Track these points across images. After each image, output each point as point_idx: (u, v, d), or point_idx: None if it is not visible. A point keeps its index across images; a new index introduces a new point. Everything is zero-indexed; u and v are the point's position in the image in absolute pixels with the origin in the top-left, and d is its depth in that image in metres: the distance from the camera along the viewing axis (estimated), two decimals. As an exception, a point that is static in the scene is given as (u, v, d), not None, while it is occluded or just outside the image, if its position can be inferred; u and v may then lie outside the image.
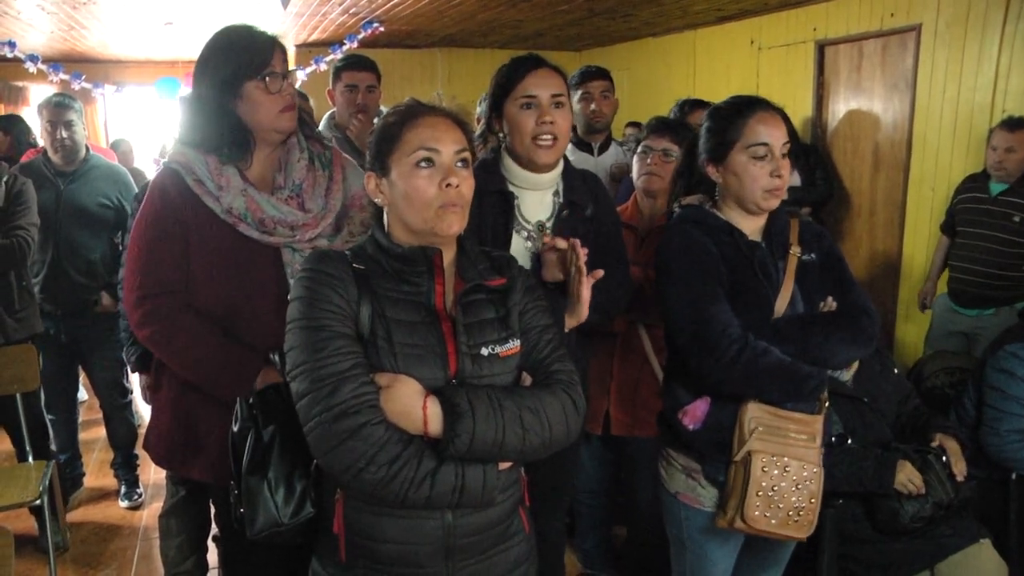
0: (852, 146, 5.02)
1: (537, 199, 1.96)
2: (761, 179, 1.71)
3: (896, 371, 2.51)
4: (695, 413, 1.77)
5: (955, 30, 4.17)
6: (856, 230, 5.04)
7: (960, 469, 2.21)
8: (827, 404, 1.78)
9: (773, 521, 1.70)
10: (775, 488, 1.68)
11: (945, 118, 4.29)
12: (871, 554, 2.23)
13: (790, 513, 1.71)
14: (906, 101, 4.52)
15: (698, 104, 3.11)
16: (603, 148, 3.35)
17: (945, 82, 4.26)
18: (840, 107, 5.08)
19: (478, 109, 2.91)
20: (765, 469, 1.68)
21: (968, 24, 4.10)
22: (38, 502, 2.75)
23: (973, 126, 4.13)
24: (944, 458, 2.21)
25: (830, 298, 1.78)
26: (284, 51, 1.76)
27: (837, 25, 4.96)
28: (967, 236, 3.66)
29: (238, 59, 1.69)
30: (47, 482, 2.83)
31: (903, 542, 2.20)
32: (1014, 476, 2.44)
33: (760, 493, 1.68)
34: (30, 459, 3.00)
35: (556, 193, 1.99)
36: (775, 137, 1.71)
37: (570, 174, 2.02)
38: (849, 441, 2.20)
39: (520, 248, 1.92)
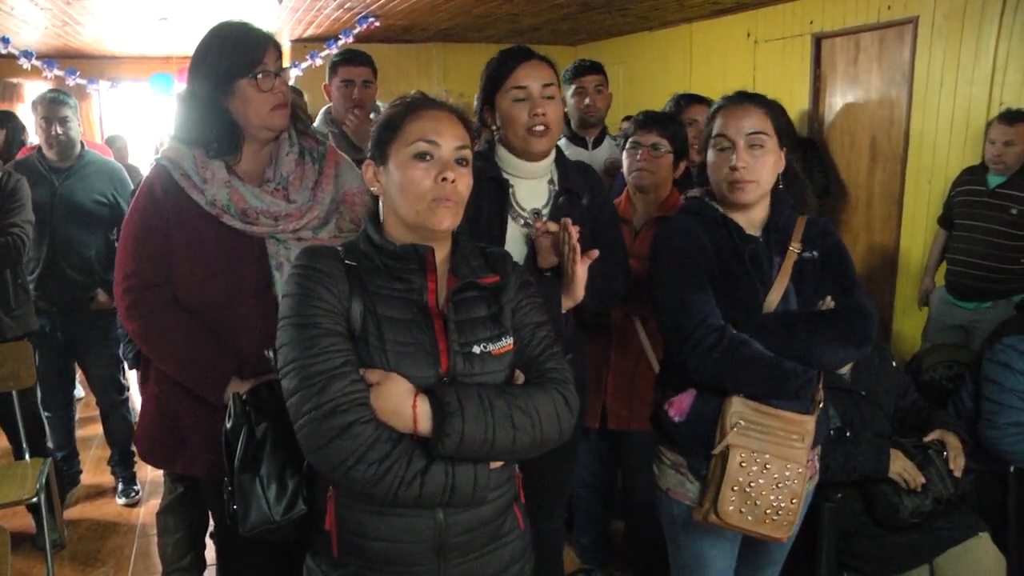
0: (849, 139, 5.01)
1: (532, 187, 1.97)
2: (722, 171, 1.73)
3: (894, 364, 2.51)
4: (680, 405, 1.77)
5: (952, 23, 4.16)
6: (853, 223, 5.03)
7: (958, 465, 2.21)
8: (821, 405, 1.76)
9: (749, 518, 1.69)
10: (752, 484, 1.67)
11: (942, 111, 4.28)
12: (870, 548, 2.23)
13: (767, 511, 1.69)
14: (903, 94, 4.51)
15: (694, 99, 3.10)
16: (597, 142, 3.34)
17: (942, 75, 4.25)
18: (837, 100, 5.07)
19: (476, 104, 2.90)
20: (743, 464, 1.67)
21: (965, 17, 4.09)
22: (35, 500, 2.74)
23: (971, 119, 4.12)
24: (944, 453, 2.22)
25: (828, 297, 1.75)
26: (278, 48, 1.77)
27: (834, 18, 4.95)
28: (965, 229, 3.66)
29: (231, 56, 1.71)
30: (44, 480, 2.82)
31: (902, 536, 2.20)
32: (1012, 469, 2.44)
33: (736, 488, 1.67)
34: (27, 457, 2.99)
35: (551, 181, 1.99)
36: (734, 128, 1.71)
37: (564, 163, 2.03)
38: (847, 435, 2.20)
39: (516, 235, 1.92)
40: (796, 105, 5.16)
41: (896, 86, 4.60)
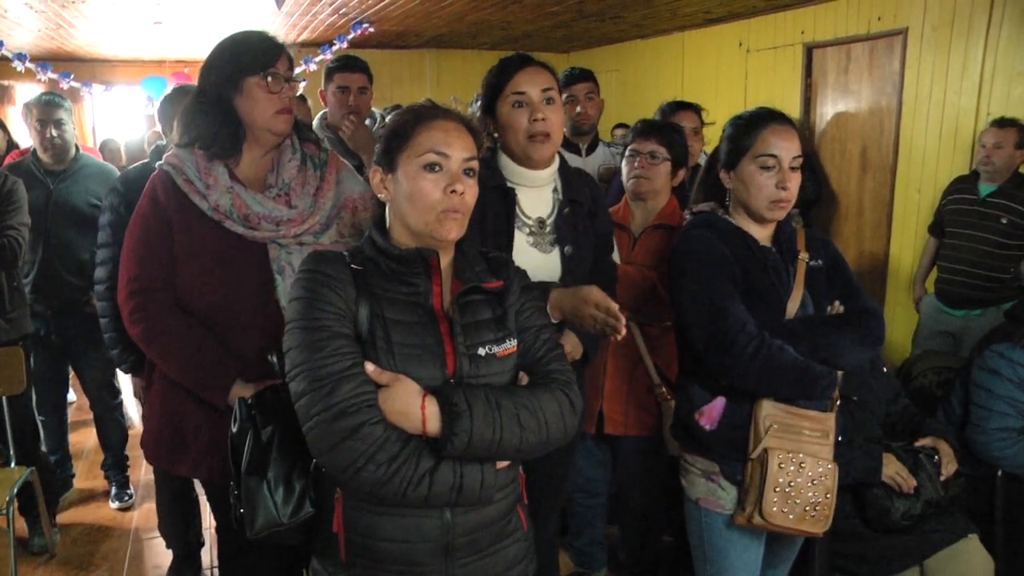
0: (840, 148, 5.06)
1: (536, 195, 1.98)
2: (766, 189, 1.76)
3: (885, 370, 2.54)
4: (711, 413, 1.81)
5: (941, 34, 4.23)
6: (844, 231, 5.08)
7: (948, 472, 2.25)
8: (838, 402, 1.83)
9: (791, 517, 1.75)
10: (791, 484, 1.73)
11: (931, 121, 4.35)
12: (862, 549, 2.26)
13: (807, 508, 1.75)
14: (893, 104, 4.57)
15: (682, 106, 3.13)
16: (590, 149, 3.36)
17: (931, 86, 4.32)
18: (828, 109, 5.13)
19: (470, 109, 2.91)
20: (782, 466, 1.73)
21: (953, 28, 4.16)
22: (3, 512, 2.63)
23: (959, 129, 4.19)
24: (936, 458, 2.25)
25: (837, 302, 1.83)
26: (291, 60, 1.80)
27: (825, 28, 5.01)
28: (955, 237, 3.72)
29: (243, 55, 1.73)
30: (15, 491, 2.74)
31: (893, 538, 2.24)
32: (1000, 473, 2.48)
33: (777, 489, 1.73)
34: (12, 464, 2.94)
35: (555, 190, 2.01)
36: (785, 150, 1.75)
37: (567, 172, 2.04)
38: (840, 439, 2.22)
39: (522, 244, 1.93)
40: (787, 114, 5.21)
41: (886, 96, 4.66)
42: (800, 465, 1.74)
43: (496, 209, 1.91)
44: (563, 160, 2.04)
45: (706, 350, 1.76)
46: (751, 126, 1.80)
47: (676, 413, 1.96)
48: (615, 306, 1.70)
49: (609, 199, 2.73)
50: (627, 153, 2.51)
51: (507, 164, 1.96)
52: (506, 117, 1.91)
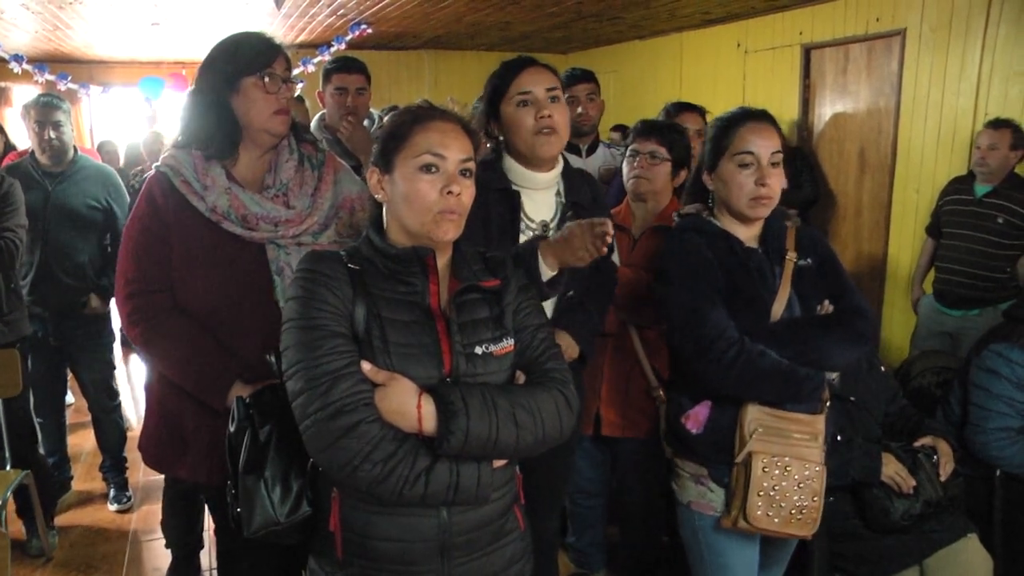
0: (838, 148, 5.07)
1: (540, 198, 1.97)
2: (746, 187, 1.75)
3: (883, 370, 2.54)
4: (697, 417, 1.81)
5: (939, 35, 4.23)
6: (842, 231, 5.08)
7: (947, 472, 2.25)
8: (828, 403, 1.81)
9: (776, 520, 1.74)
10: (776, 488, 1.72)
11: (930, 122, 4.35)
12: (861, 550, 2.26)
13: (792, 512, 1.74)
14: (891, 105, 4.58)
15: (685, 107, 3.12)
16: (591, 150, 3.37)
17: (929, 86, 4.32)
18: (826, 110, 5.13)
19: (472, 111, 2.91)
20: (766, 469, 1.72)
21: (951, 29, 4.16)
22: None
23: (957, 129, 4.19)
24: (935, 458, 2.25)
25: (827, 302, 1.81)
26: (289, 61, 1.80)
27: (823, 29, 5.02)
28: (952, 237, 3.73)
29: (241, 56, 1.73)
30: (8, 493, 2.73)
31: (893, 538, 2.24)
32: (999, 473, 2.48)
33: (761, 493, 1.72)
34: (8, 467, 2.92)
35: (558, 193, 2.00)
36: (762, 147, 1.75)
37: (570, 174, 2.03)
38: (839, 439, 2.22)
39: None
40: (785, 115, 5.22)
41: (884, 97, 4.66)
42: (786, 469, 1.73)
43: (501, 211, 1.91)
44: (566, 162, 2.04)
45: (687, 357, 1.76)
46: (729, 126, 1.80)
47: (666, 417, 1.95)
48: (597, 219, 1.67)
49: (609, 200, 2.73)
50: (627, 153, 2.51)
51: (512, 166, 1.95)
52: (511, 117, 1.91)
